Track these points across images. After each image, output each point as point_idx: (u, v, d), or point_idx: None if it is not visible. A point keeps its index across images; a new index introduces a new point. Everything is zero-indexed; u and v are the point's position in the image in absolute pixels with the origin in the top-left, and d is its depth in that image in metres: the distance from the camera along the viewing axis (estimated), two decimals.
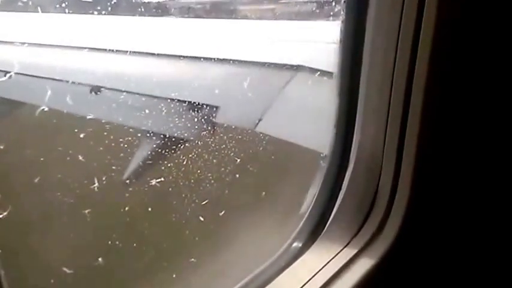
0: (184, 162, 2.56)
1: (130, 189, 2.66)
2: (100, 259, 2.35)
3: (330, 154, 1.48)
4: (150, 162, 2.65)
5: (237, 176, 2.60)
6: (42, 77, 2.72)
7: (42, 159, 2.51)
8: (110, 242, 2.46)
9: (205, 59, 2.69)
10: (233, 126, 2.61)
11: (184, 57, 2.76)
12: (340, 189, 1.47)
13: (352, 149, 1.45)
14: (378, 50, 1.33)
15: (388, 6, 1.28)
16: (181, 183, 2.55)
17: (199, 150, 2.58)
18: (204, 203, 2.52)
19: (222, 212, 2.51)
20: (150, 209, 2.52)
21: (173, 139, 2.64)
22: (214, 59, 2.66)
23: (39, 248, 2.58)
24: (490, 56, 1.34)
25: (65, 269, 2.27)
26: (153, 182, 2.52)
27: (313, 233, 1.47)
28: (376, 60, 1.34)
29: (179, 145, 2.64)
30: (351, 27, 1.36)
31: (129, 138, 2.54)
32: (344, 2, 1.35)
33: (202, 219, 2.51)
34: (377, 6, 1.30)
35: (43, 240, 2.60)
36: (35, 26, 2.71)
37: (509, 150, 1.46)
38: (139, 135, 2.64)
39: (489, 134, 1.44)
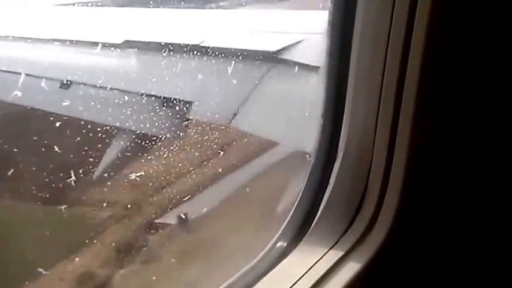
0: (154, 162, 2.47)
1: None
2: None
3: (316, 147, 1.39)
4: (118, 161, 2.57)
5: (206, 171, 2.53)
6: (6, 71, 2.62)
7: None
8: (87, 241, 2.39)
9: (179, 50, 2.59)
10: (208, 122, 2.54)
11: (154, 48, 2.66)
12: (327, 184, 1.38)
13: (340, 141, 1.36)
14: (368, 38, 1.25)
15: None
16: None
17: (168, 149, 2.52)
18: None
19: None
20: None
21: (143, 136, 2.56)
22: (188, 50, 2.57)
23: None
24: (485, 50, 1.28)
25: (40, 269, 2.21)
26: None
27: (298, 233, 1.38)
28: (366, 48, 1.26)
29: (149, 143, 2.55)
30: (340, 15, 1.28)
31: (99, 135, 2.44)
32: None
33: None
34: None
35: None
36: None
37: (503, 147, 1.41)
38: (103, 134, 2.53)
39: (482, 128, 1.38)
